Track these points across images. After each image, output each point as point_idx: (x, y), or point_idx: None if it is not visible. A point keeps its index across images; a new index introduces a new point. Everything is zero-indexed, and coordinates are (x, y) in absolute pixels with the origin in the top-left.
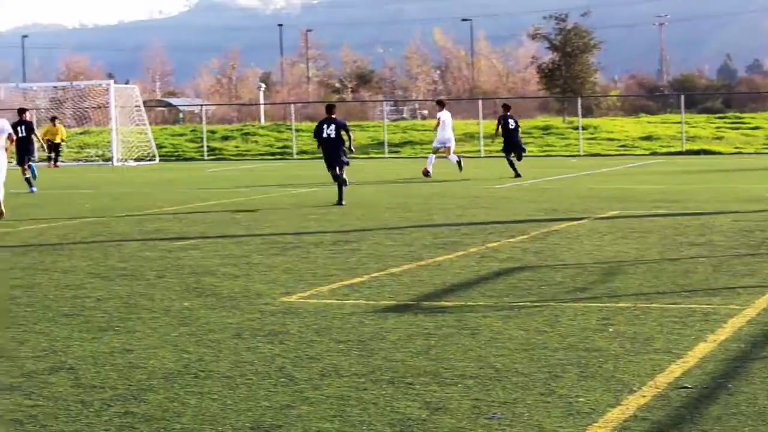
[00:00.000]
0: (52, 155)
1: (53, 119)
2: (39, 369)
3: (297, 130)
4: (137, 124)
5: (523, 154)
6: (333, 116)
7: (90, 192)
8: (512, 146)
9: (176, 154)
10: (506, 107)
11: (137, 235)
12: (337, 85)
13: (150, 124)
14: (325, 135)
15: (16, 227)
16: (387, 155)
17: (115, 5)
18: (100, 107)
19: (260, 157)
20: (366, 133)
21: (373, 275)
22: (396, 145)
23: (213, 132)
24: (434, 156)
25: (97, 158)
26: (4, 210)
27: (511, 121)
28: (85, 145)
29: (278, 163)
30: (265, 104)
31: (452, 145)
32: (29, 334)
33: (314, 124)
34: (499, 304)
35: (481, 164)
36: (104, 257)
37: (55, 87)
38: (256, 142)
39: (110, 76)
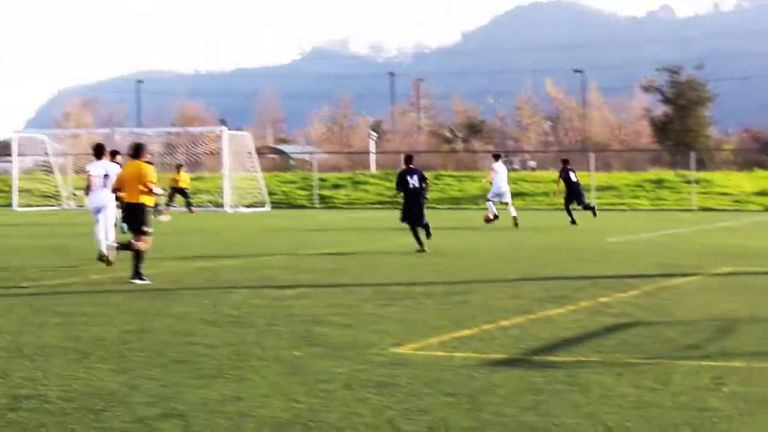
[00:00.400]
0: (186, 200)
1: (179, 167)
2: (150, 415)
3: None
4: (249, 171)
5: (628, 210)
6: (412, 166)
7: (201, 238)
8: (574, 196)
9: (287, 201)
10: (565, 161)
11: (247, 282)
12: (448, 134)
13: (261, 170)
14: (411, 186)
15: (130, 271)
16: (497, 206)
17: (229, 52)
18: (212, 153)
19: (370, 205)
20: (476, 184)
21: (483, 328)
22: None
23: (323, 180)
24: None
25: (209, 204)
26: (110, 258)
27: (572, 175)
28: (197, 190)
29: (388, 212)
30: (375, 153)
31: (508, 199)
32: (141, 379)
33: (426, 174)
34: (609, 360)
35: (591, 217)
36: (215, 304)
37: (168, 132)
38: (367, 190)
39: (223, 122)
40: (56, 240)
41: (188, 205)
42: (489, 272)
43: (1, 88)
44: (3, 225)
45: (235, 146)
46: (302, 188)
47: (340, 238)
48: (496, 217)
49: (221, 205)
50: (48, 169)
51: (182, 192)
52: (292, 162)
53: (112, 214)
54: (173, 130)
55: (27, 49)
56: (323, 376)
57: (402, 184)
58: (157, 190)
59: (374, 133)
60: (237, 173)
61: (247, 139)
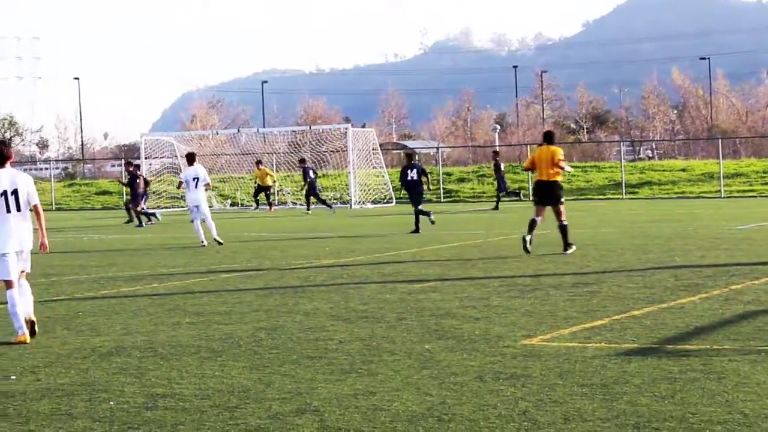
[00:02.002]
0: (267, 199)
1: (258, 163)
2: (285, 411)
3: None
4: (374, 167)
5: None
6: (414, 162)
7: (329, 235)
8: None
9: None
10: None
11: (376, 277)
12: (573, 125)
13: (386, 166)
14: (409, 178)
15: (259, 269)
16: (625, 196)
17: (350, 50)
18: (337, 151)
19: (496, 199)
20: (602, 174)
21: (614, 318)
22: (633, 186)
23: (449, 174)
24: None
25: (335, 201)
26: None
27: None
28: (323, 188)
29: (515, 204)
30: (500, 146)
31: None
32: (275, 375)
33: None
34: (745, 347)
35: (721, 205)
36: (345, 299)
37: (293, 131)
38: (492, 183)
39: (347, 119)
40: (186, 240)
41: (268, 203)
42: (618, 262)
43: (127, 92)
44: (133, 226)
45: (360, 143)
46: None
47: (467, 232)
48: None
49: (347, 202)
50: (175, 171)
51: (266, 189)
52: (416, 157)
53: (206, 210)
54: (298, 128)
55: (151, 53)
56: (455, 369)
57: (403, 176)
58: (567, 168)
59: (498, 126)
60: (362, 170)
61: (371, 136)
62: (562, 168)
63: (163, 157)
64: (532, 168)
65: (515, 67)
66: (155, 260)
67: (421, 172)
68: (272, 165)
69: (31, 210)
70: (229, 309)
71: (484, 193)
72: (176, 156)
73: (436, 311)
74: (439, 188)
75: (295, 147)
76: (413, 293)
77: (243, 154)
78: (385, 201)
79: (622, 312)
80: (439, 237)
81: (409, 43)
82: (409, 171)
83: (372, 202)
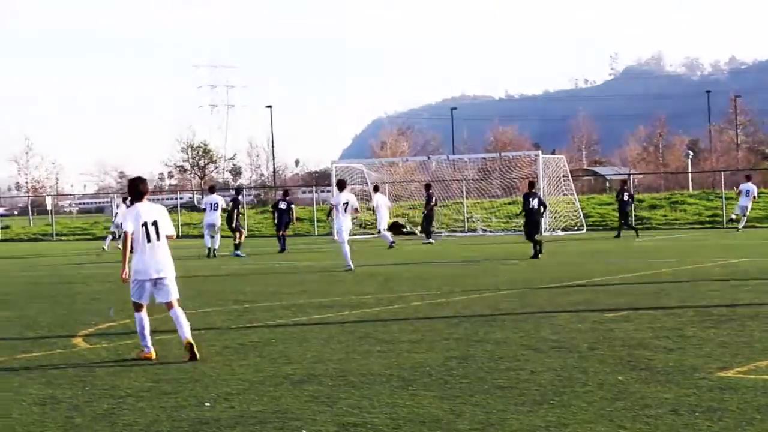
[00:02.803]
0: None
1: (375, 188)
2: None
3: (727, 198)
4: (565, 194)
5: None
6: (534, 191)
7: (519, 263)
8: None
9: (603, 223)
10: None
11: (567, 306)
12: (767, 151)
13: (577, 193)
14: (530, 207)
15: (449, 297)
16: None
17: (540, 76)
18: (527, 177)
19: (689, 226)
20: None
21: None
22: None
23: (640, 201)
24: None
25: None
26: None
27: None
28: (512, 214)
29: (708, 232)
30: (693, 172)
31: None
32: (466, 405)
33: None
34: None
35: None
36: (536, 329)
37: (483, 158)
38: (685, 210)
39: (536, 146)
40: (375, 268)
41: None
42: None
43: (318, 118)
44: (324, 252)
45: (550, 169)
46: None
47: (659, 260)
48: None
49: None
50: (366, 198)
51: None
52: (607, 184)
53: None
54: (488, 155)
55: (342, 80)
56: (649, 401)
57: (525, 204)
58: None
59: (691, 152)
60: (553, 196)
61: (561, 162)
62: None
63: (353, 184)
64: None
65: (708, 92)
66: (345, 287)
67: (541, 203)
68: (462, 192)
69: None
70: (419, 337)
71: (676, 220)
72: (366, 183)
73: (629, 341)
74: (631, 215)
75: (485, 174)
76: (605, 322)
77: (433, 181)
78: (576, 228)
79: None
80: (631, 265)
81: (600, 68)
82: (530, 199)
83: (562, 229)
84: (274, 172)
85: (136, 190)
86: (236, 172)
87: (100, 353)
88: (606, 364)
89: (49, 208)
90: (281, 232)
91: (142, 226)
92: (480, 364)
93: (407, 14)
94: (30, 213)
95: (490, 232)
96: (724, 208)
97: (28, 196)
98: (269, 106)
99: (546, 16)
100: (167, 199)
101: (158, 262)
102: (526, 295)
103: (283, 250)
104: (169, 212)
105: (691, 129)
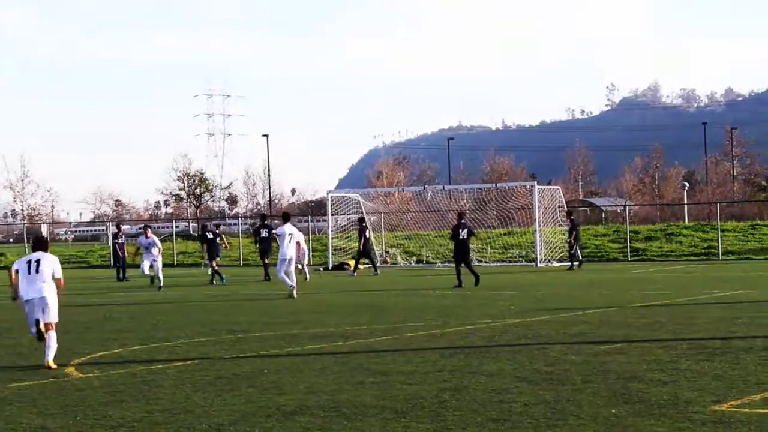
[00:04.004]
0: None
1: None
2: None
3: (722, 230)
4: (560, 225)
5: None
6: (463, 221)
7: (514, 293)
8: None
9: (599, 254)
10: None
11: (561, 338)
12: (764, 183)
13: None
14: (460, 237)
15: (443, 329)
16: None
17: (537, 106)
18: (523, 208)
19: (684, 257)
20: None
21: None
22: None
23: (636, 232)
24: None
25: (520, 258)
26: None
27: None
28: (508, 245)
29: (703, 265)
30: (688, 204)
31: None
32: None
33: (740, 224)
34: None
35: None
36: (530, 361)
37: (479, 189)
38: (680, 242)
39: (533, 176)
40: (369, 297)
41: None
42: None
43: (315, 148)
44: (317, 284)
45: (546, 200)
46: (614, 241)
47: (654, 292)
48: None
49: (533, 260)
50: (354, 228)
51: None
52: (603, 215)
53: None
54: (484, 186)
55: (339, 109)
56: None
57: (455, 234)
58: None
59: (687, 184)
60: (548, 227)
61: (557, 193)
62: None
63: (349, 214)
64: None
65: (704, 123)
66: (340, 318)
67: (470, 233)
68: None
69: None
70: (413, 369)
71: (672, 251)
72: (362, 212)
73: (623, 374)
74: (626, 246)
75: (481, 204)
76: (599, 355)
77: (428, 211)
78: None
79: None
80: (626, 296)
81: (596, 99)
82: (460, 230)
83: (557, 260)
84: (270, 201)
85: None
86: (232, 201)
87: (92, 383)
88: (600, 396)
89: (44, 235)
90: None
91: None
92: (473, 396)
93: (405, 44)
94: (26, 240)
95: (486, 262)
96: (719, 240)
97: (24, 224)
98: (266, 135)
99: (543, 46)
100: (163, 227)
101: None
102: (521, 327)
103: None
104: (163, 241)
105: (688, 160)
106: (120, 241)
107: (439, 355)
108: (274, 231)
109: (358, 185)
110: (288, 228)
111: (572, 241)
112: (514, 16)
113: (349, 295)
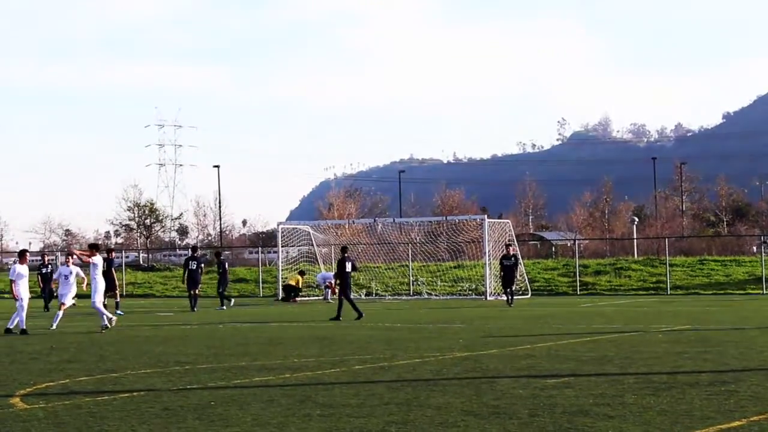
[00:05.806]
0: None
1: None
2: None
3: (671, 265)
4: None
5: None
6: (347, 255)
7: (462, 326)
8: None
9: (548, 288)
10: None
11: (509, 371)
12: (712, 218)
13: (523, 257)
14: (347, 270)
15: (391, 361)
16: (765, 292)
17: (487, 140)
18: (473, 241)
19: (633, 292)
20: (742, 269)
21: (752, 419)
22: None
23: (585, 266)
24: None
25: (470, 292)
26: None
27: (348, 265)
28: (458, 278)
29: (652, 299)
30: (638, 238)
31: None
32: None
33: (689, 259)
34: None
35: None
36: (477, 394)
37: (430, 221)
38: (629, 276)
39: (483, 209)
40: (318, 330)
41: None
42: (758, 360)
43: (266, 180)
44: (266, 315)
45: (496, 234)
46: (564, 275)
47: (603, 326)
48: None
49: (482, 293)
50: (311, 260)
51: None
52: (553, 249)
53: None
54: (435, 219)
55: (289, 142)
56: None
57: (340, 268)
58: None
59: (636, 219)
60: (498, 260)
61: (507, 227)
62: None
63: (300, 245)
64: None
65: (654, 158)
66: (288, 350)
67: (354, 267)
68: (408, 255)
69: None
70: (360, 401)
71: (621, 286)
72: (312, 244)
73: (569, 408)
74: (575, 280)
75: (431, 237)
76: (546, 389)
77: (379, 244)
78: (521, 292)
79: (761, 413)
80: (575, 330)
81: (547, 133)
82: (346, 263)
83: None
84: (221, 232)
85: None
86: (183, 231)
87: (37, 414)
88: (545, 431)
89: None
90: (193, 291)
91: None
92: (420, 429)
93: (356, 77)
94: None
95: (435, 295)
96: (668, 275)
97: None
98: (217, 166)
99: (495, 80)
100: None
101: None
102: (469, 360)
103: (193, 309)
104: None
105: (637, 195)
106: (44, 271)
107: (387, 388)
108: (56, 271)
109: (309, 217)
110: (67, 268)
111: (518, 275)
112: (465, 51)
113: (298, 327)
